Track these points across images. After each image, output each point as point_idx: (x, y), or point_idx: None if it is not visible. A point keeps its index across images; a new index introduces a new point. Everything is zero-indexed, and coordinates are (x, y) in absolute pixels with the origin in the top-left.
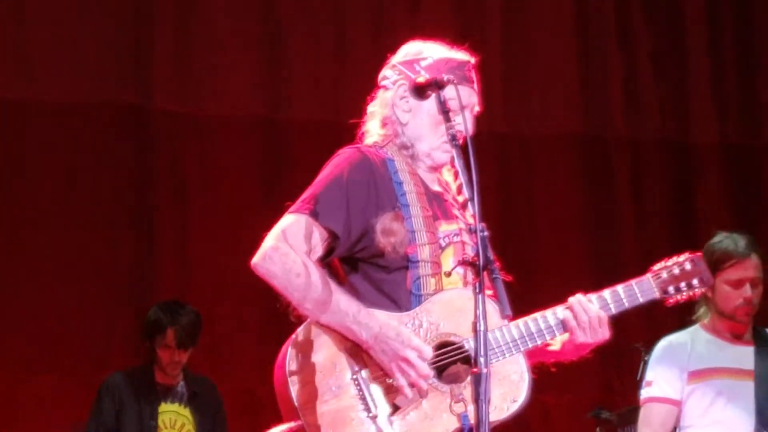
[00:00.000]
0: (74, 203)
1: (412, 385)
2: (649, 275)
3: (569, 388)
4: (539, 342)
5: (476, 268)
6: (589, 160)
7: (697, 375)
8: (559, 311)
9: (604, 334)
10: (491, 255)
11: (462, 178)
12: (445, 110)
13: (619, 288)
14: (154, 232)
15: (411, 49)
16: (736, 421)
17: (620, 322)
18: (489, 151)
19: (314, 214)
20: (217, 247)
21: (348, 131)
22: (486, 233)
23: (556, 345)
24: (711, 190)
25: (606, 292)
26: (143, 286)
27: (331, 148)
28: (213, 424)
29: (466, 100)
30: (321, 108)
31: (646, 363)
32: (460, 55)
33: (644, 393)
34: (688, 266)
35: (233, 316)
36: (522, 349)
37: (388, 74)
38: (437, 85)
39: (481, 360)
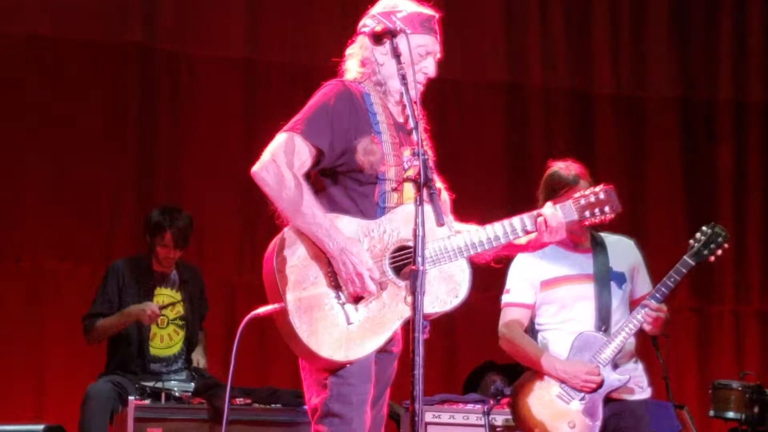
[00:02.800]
0: (90, 125)
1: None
2: (570, 201)
3: (494, 284)
4: (487, 247)
5: (418, 184)
6: (511, 104)
7: (548, 283)
8: (535, 216)
9: (562, 234)
10: (431, 174)
11: (408, 111)
12: (396, 54)
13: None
14: (155, 153)
15: (388, 2)
16: (582, 320)
17: None
18: (428, 94)
19: (304, 133)
20: (205, 165)
21: (316, 71)
22: (426, 156)
23: (522, 240)
24: (607, 134)
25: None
26: (145, 196)
27: (301, 86)
28: (198, 303)
29: (431, 48)
30: (293, 51)
31: None
32: (428, 11)
33: (503, 298)
34: (602, 195)
35: (216, 221)
36: (466, 255)
37: (368, 23)
38: (391, 34)
39: (419, 259)
